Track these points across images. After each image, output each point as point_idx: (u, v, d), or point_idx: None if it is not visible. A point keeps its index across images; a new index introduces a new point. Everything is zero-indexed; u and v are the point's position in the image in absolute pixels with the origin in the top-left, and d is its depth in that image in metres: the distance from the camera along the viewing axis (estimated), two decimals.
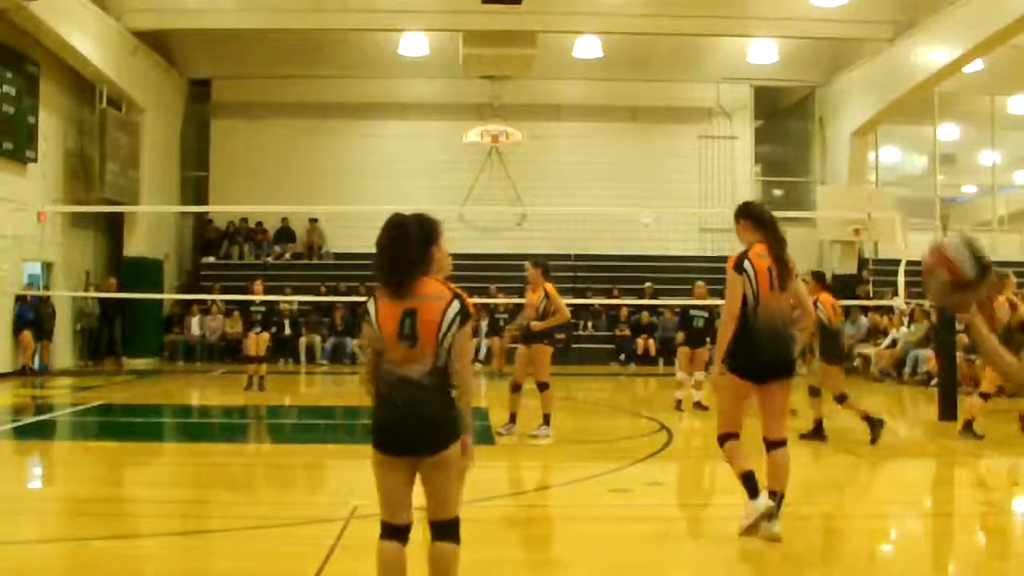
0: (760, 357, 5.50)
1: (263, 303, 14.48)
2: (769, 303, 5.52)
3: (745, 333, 5.49)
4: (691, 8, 18.74)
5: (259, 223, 22.55)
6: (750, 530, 5.46)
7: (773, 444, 5.62)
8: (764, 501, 5.43)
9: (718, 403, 5.93)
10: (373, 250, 3.79)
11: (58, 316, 17.81)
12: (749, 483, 5.48)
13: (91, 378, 16.49)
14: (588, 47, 20.96)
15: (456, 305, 3.81)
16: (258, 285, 14.45)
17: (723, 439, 5.65)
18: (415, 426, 3.78)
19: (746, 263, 5.56)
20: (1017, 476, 8.64)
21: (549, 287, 9.76)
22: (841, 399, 9.61)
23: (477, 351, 19.76)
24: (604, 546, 5.87)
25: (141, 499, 7.16)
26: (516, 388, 9.84)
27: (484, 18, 18.48)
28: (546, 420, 9.75)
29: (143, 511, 6.68)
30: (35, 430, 10.92)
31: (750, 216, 5.80)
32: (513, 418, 9.84)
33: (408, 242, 3.80)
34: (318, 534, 5.69)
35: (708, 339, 11.58)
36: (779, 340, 5.56)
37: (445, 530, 3.89)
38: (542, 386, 9.70)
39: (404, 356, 3.79)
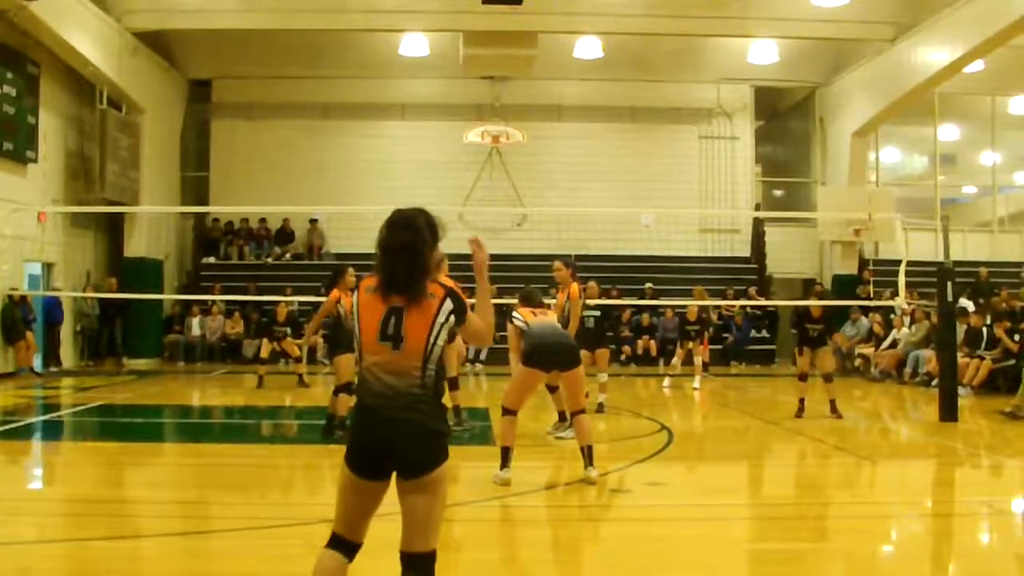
0: (540, 355, 7.32)
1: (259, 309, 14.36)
2: (541, 319, 7.63)
3: (528, 340, 7.45)
4: (691, 8, 18.73)
5: (262, 219, 22.52)
6: (500, 485, 7.05)
7: (575, 413, 7.48)
8: (506, 474, 7.04)
9: (512, 384, 7.57)
10: (374, 250, 3.56)
11: (53, 316, 17.77)
12: (505, 456, 7.15)
13: (91, 378, 16.47)
14: (588, 47, 20.96)
15: (449, 304, 3.38)
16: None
17: (505, 411, 7.29)
18: (398, 445, 3.30)
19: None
20: (1018, 476, 8.64)
21: (573, 289, 9.70)
22: (346, 388, 9.23)
23: (478, 351, 19.73)
24: (604, 546, 5.87)
25: (141, 499, 7.15)
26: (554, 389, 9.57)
27: (484, 18, 18.48)
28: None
29: (143, 511, 6.68)
30: (35, 430, 10.91)
31: (526, 297, 8.00)
32: (563, 416, 9.50)
33: (421, 246, 3.35)
34: (318, 534, 5.66)
35: (606, 338, 11.65)
36: (555, 342, 7.41)
37: (420, 566, 3.32)
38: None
39: (387, 360, 3.33)
